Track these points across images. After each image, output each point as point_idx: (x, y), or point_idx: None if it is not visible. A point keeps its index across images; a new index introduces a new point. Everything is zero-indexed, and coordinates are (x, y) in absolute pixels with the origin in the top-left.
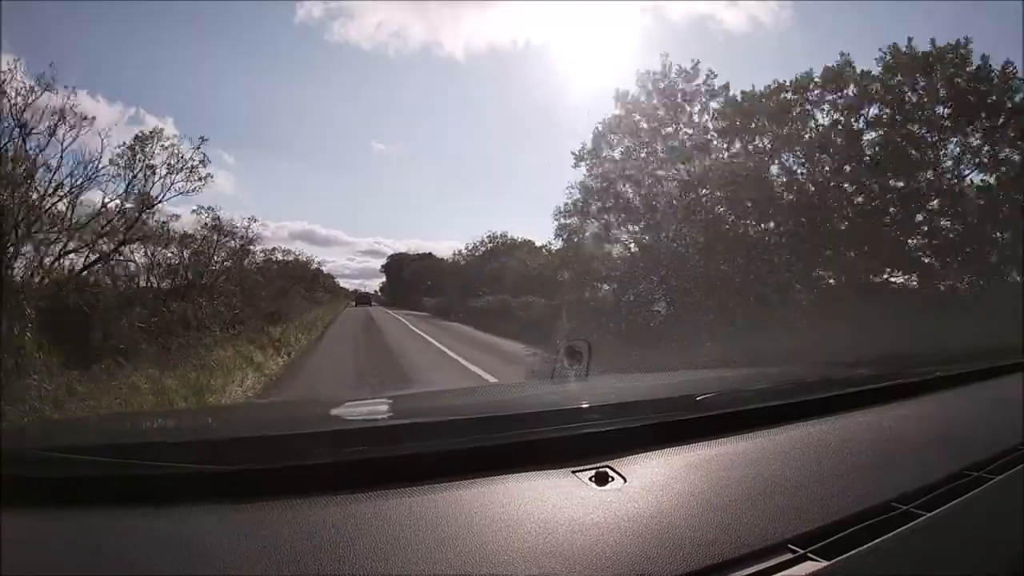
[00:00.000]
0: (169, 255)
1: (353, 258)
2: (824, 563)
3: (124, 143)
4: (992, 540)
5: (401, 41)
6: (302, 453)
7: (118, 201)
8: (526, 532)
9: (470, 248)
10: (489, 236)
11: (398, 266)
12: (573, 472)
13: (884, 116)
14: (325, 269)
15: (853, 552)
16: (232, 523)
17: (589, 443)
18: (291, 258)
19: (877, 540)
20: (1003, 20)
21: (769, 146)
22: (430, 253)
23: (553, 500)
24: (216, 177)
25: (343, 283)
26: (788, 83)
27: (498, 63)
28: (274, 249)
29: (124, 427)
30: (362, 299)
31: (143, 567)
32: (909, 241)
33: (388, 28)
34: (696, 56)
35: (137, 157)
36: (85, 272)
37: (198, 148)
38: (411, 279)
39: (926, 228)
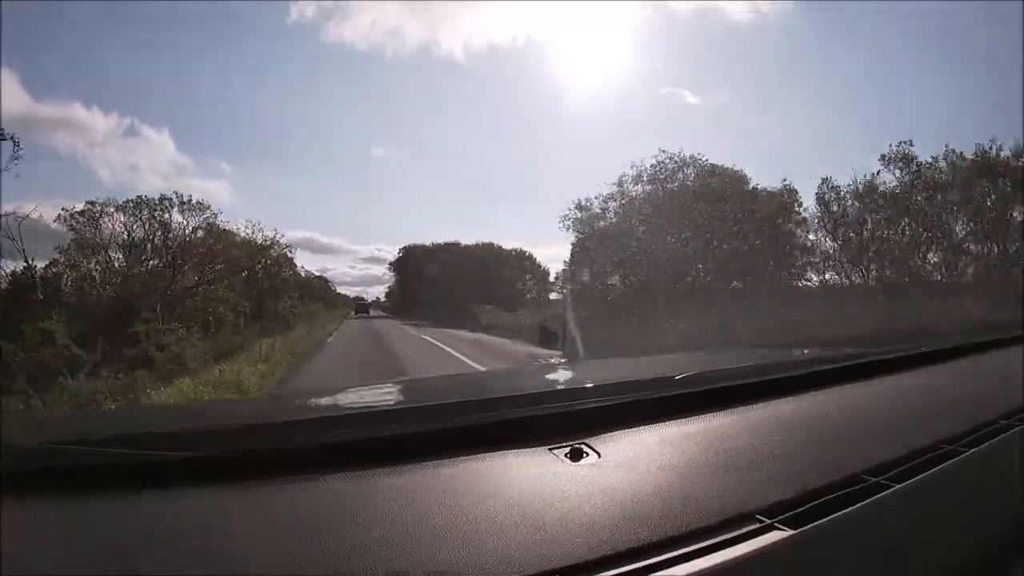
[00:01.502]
0: None
1: (354, 266)
2: (791, 532)
3: None
4: (961, 512)
5: (398, 40)
6: (287, 438)
7: None
8: (499, 505)
9: (608, 194)
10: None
11: (414, 262)
12: (550, 450)
13: None
14: (323, 273)
15: (820, 521)
16: (224, 504)
17: (567, 421)
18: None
19: (845, 511)
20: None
21: None
22: (456, 242)
23: (527, 475)
24: (212, 186)
25: (344, 290)
26: None
27: (498, 62)
28: (186, 200)
29: (124, 418)
30: (360, 308)
31: (143, 544)
32: None
33: (383, 27)
34: (698, 48)
35: None
36: None
37: None
38: (435, 278)
39: None
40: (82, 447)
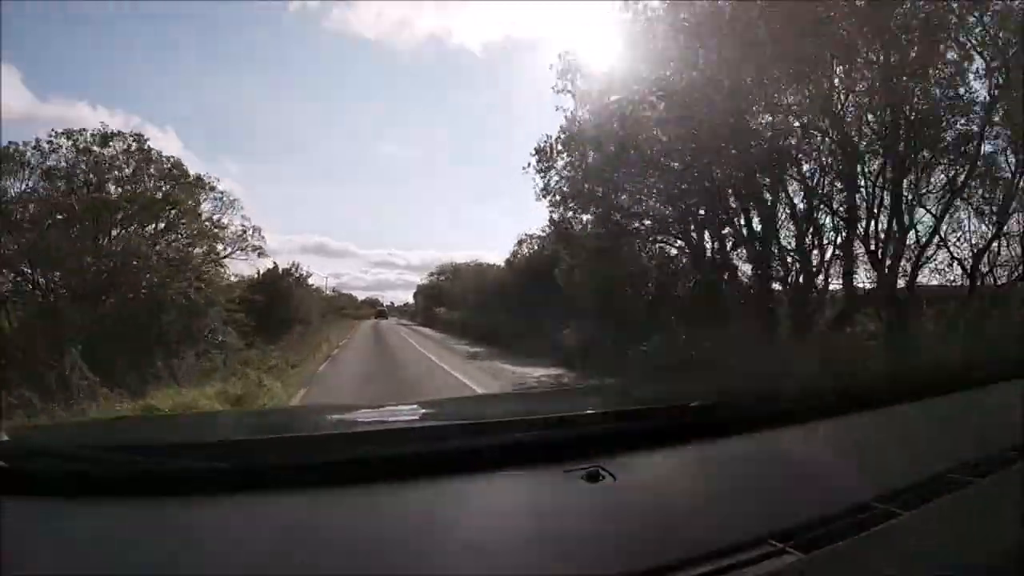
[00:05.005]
0: None
1: (367, 270)
2: (802, 556)
3: None
4: (971, 540)
5: (407, 30)
6: (303, 454)
7: None
8: (515, 525)
9: None
10: None
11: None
12: (566, 472)
13: None
14: (337, 280)
15: (830, 546)
16: (238, 514)
17: (584, 444)
18: None
19: (855, 537)
20: None
21: None
22: None
23: (543, 495)
24: (220, 187)
25: (355, 294)
26: None
27: (515, 53)
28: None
29: (142, 428)
30: (379, 314)
31: (153, 547)
32: None
33: (392, 17)
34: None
35: None
36: None
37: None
38: None
39: None
40: (97, 453)
